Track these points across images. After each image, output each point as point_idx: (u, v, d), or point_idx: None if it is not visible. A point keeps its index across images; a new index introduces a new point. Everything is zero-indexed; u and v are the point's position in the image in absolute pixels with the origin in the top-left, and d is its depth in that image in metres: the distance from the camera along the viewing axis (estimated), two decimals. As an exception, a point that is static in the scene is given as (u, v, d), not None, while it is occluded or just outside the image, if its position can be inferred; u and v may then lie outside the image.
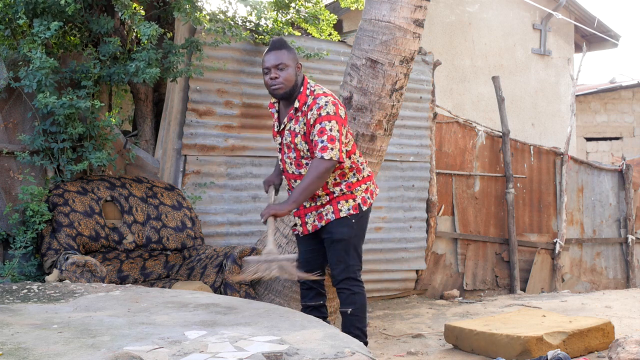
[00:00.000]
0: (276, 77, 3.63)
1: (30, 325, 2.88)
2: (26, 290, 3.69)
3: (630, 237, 9.51)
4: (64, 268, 4.22)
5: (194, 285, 4.58)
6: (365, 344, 3.74)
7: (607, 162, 11.07)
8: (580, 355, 4.21)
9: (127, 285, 4.11)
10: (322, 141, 3.54)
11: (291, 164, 3.76)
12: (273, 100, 3.87)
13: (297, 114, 3.67)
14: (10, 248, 4.76)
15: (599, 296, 6.93)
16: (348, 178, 3.75)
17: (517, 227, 8.49)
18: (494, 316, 5.07)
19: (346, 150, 3.69)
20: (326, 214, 3.75)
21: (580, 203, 9.32)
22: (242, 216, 6.07)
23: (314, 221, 3.79)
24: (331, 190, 3.73)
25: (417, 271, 7.23)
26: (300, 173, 3.73)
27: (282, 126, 3.76)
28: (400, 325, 5.56)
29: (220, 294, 4.62)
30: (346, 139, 3.68)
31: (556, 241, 8.78)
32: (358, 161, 3.79)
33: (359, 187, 3.77)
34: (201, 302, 3.35)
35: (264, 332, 2.73)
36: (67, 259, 4.29)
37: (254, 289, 4.93)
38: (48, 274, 4.45)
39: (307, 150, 3.67)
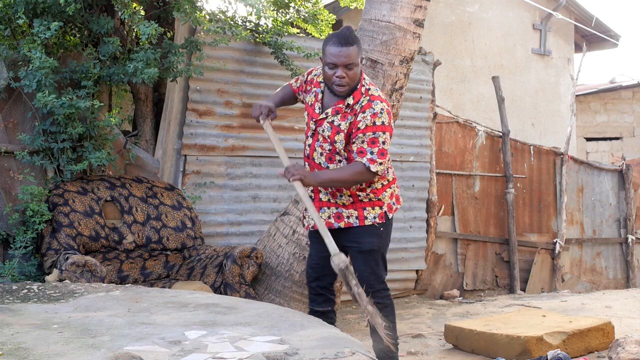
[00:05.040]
0: (344, 77, 3.35)
1: (30, 325, 2.88)
2: (26, 290, 3.69)
3: (630, 237, 9.51)
4: (64, 268, 4.22)
5: (194, 285, 4.58)
6: (397, 345, 3.68)
7: (607, 162, 11.05)
8: (580, 355, 4.21)
9: (127, 285, 4.11)
10: (372, 152, 3.35)
11: (322, 154, 3.51)
12: (320, 79, 3.56)
13: (347, 110, 3.43)
14: (10, 248, 4.76)
15: (599, 296, 6.93)
16: (372, 184, 3.54)
17: (517, 227, 8.48)
18: (494, 316, 5.07)
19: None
20: (347, 217, 3.53)
21: (580, 203, 9.31)
22: (242, 216, 6.07)
23: (329, 217, 3.56)
24: (356, 193, 3.52)
25: (417, 271, 7.23)
26: (328, 167, 3.52)
27: (324, 116, 3.49)
28: (400, 325, 5.54)
29: (220, 294, 4.62)
30: None
31: (556, 241, 8.78)
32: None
33: (384, 193, 3.56)
34: (201, 302, 3.35)
35: (264, 332, 2.73)
36: (67, 259, 4.29)
37: (254, 289, 4.93)
38: (48, 274, 4.45)
39: (344, 150, 3.46)
